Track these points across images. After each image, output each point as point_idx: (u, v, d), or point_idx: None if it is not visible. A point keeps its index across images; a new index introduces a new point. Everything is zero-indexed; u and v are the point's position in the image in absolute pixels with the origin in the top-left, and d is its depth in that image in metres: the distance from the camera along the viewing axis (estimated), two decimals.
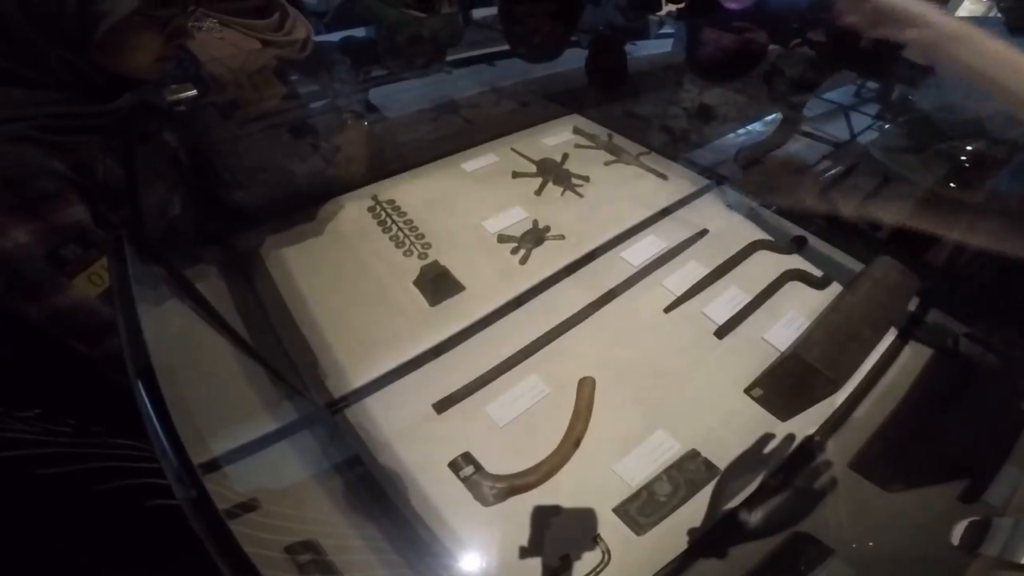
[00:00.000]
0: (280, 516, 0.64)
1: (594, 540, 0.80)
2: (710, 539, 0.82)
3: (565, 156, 1.61)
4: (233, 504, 0.54)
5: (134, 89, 0.86)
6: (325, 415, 0.93)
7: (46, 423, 0.85)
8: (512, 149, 1.65)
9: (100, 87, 0.80)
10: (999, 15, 1.63)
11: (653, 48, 2.30)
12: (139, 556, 0.88)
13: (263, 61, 1.38)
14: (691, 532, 0.82)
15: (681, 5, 1.99)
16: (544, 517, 0.82)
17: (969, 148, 1.48)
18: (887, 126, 1.86)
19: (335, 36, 1.84)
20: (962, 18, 2.05)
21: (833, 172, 1.62)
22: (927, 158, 1.56)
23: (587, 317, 1.14)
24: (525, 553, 0.78)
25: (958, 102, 1.55)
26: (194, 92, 1.18)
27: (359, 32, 1.87)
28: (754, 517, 0.85)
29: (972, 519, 0.37)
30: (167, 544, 0.73)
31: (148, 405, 0.51)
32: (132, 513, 0.87)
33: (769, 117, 1.97)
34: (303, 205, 1.37)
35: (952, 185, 1.44)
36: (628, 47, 2.22)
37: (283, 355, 1.03)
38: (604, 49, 2.15)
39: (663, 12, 2.05)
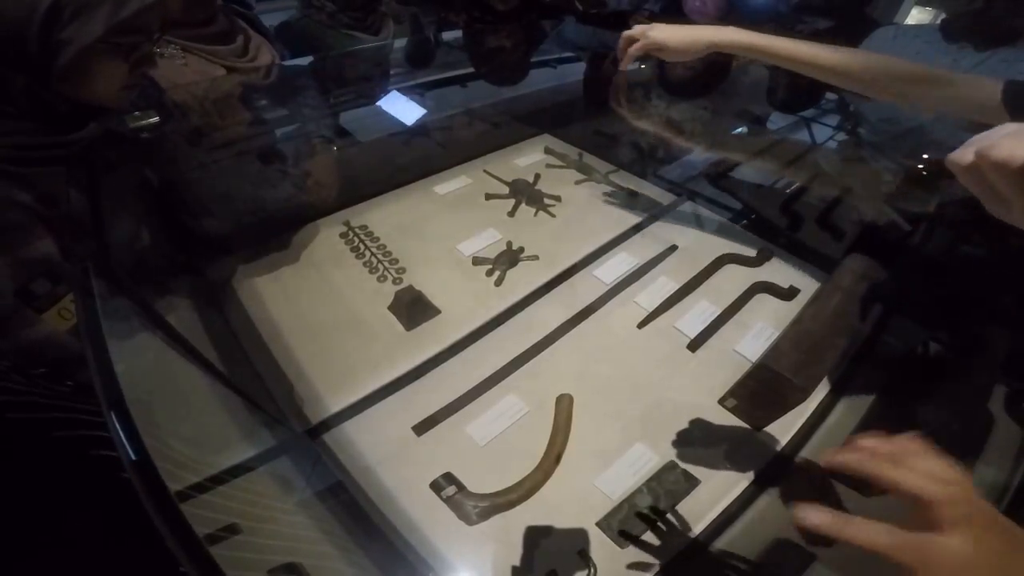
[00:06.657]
0: (262, 541, 0.63)
1: (579, 555, 0.80)
2: (693, 549, 0.83)
3: (537, 176, 1.63)
4: (213, 529, 0.53)
5: (99, 118, 0.84)
6: (304, 441, 0.92)
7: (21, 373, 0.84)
8: (484, 171, 1.66)
9: (64, 116, 0.79)
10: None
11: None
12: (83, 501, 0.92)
13: (227, 88, 1.38)
14: (674, 543, 0.83)
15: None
16: (528, 534, 0.82)
17: (925, 157, 1.54)
18: (842, 139, 1.91)
19: (304, 61, 1.84)
20: (909, 26, 2.13)
21: (794, 187, 1.67)
22: (880, 170, 1.63)
23: (563, 335, 1.15)
24: (514, 572, 0.78)
25: (901, 112, 1.61)
26: (157, 119, 1.17)
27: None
28: (735, 525, 0.86)
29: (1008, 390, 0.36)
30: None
31: (122, 437, 0.50)
32: (80, 461, 0.88)
33: (735, 131, 2.02)
34: (274, 232, 1.35)
35: (909, 194, 1.50)
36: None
37: (259, 383, 1.01)
38: (600, 66, 2.19)
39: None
